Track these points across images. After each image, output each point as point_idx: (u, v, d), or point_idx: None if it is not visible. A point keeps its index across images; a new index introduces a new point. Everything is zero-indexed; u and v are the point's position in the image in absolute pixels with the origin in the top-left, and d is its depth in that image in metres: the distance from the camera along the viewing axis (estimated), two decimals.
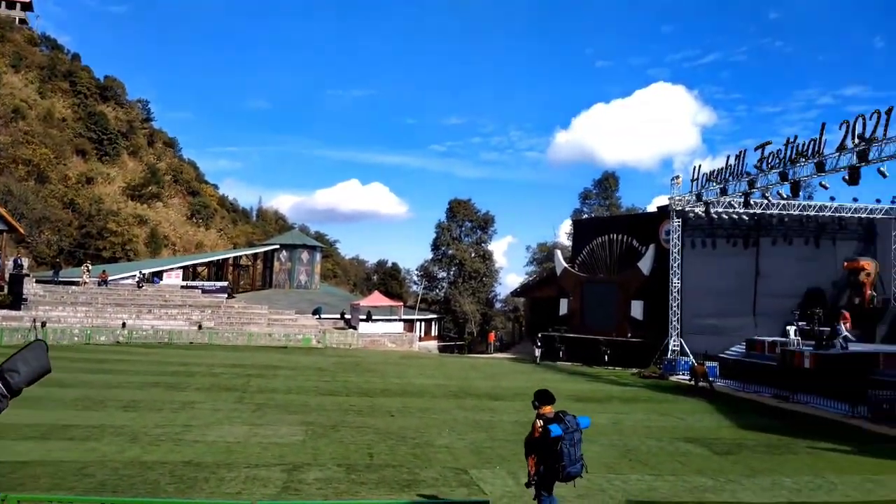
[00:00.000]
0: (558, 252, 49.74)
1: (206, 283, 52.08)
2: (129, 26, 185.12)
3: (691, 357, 32.19)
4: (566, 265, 45.25)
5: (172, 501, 8.81)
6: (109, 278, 44.96)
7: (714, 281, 34.74)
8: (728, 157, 29.96)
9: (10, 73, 77.54)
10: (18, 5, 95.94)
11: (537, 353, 40.05)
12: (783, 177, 26.35)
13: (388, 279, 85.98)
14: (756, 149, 27.72)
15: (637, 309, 39.25)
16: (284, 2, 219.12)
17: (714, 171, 31.04)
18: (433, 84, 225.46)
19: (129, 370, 24.10)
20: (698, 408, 21.66)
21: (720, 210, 32.69)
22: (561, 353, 40.82)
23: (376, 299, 50.15)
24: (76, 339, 35.10)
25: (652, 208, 52.24)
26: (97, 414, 15.30)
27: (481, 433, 15.29)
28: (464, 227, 73.98)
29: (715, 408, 21.64)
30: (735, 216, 33.38)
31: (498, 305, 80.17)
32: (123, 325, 38.35)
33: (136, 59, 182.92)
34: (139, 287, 44.66)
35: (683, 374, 31.25)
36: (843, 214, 34.50)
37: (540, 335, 42.10)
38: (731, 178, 29.61)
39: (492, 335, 59.34)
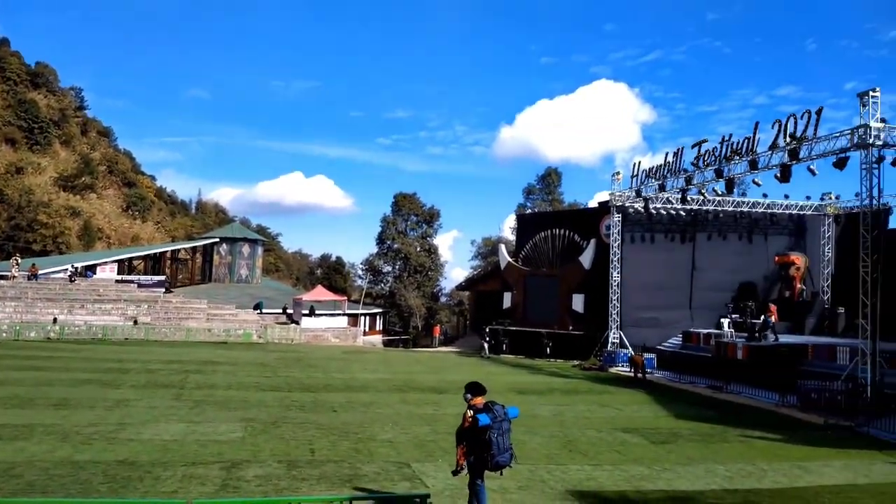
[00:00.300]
0: (502, 246, 50.15)
1: (142, 278, 50.78)
2: (62, 10, 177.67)
3: (630, 349, 32.95)
4: (510, 259, 45.71)
5: (105, 501, 8.53)
6: (40, 272, 43.52)
7: (652, 275, 35.71)
8: (666, 155, 30.67)
9: None
10: None
11: (486, 346, 39.96)
12: (718, 174, 27.11)
13: (332, 273, 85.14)
14: (693, 146, 28.42)
15: (578, 302, 39.97)
16: None
17: (653, 167, 31.70)
18: (379, 77, 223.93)
19: (61, 367, 23.32)
20: (637, 399, 22.21)
21: (658, 206, 33.46)
22: (504, 346, 41.22)
23: (320, 294, 49.51)
24: (4, 335, 33.97)
25: (593, 204, 53.41)
26: (26, 412, 14.73)
27: (424, 427, 15.32)
28: (409, 220, 73.97)
29: (652, 398, 22.23)
30: (673, 212, 34.25)
31: (443, 299, 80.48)
32: (55, 320, 37.09)
33: (70, 45, 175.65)
34: (71, 281, 43.25)
35: (623, 366, 31.96)
36: (774, 211, 35.81)
37: (488, 328, 42.32)
38: (669, 175, 30.30)
39: (437, 329, 59.38)
